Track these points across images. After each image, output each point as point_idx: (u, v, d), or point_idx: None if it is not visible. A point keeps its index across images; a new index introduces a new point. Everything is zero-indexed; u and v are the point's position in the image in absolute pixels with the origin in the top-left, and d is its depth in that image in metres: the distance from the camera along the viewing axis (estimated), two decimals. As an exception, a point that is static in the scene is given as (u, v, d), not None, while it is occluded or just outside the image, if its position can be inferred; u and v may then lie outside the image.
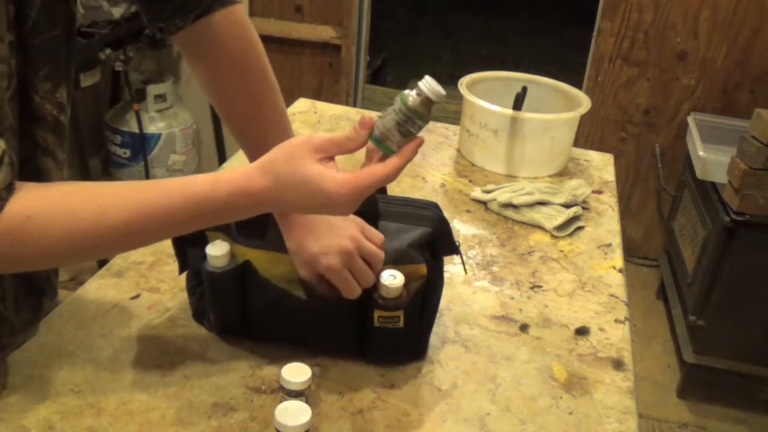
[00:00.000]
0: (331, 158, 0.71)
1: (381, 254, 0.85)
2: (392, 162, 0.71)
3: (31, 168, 0.75)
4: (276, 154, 0.70)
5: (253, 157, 0.89)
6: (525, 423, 0.86)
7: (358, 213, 0.88)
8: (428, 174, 1.49)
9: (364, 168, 0.71)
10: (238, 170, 0.71)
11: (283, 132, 0.90)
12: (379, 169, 0.71)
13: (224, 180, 0.70)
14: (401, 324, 0.88)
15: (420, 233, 0.88)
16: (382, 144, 0.72)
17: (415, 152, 0.73)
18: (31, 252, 0.66)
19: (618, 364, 0.98)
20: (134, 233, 0.69)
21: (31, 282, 0.84)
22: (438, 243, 0.90)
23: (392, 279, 0.86)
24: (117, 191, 0.69)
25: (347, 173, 0.70)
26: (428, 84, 0.71)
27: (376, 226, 0.89)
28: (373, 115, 0.78)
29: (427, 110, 0.72)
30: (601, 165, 1.60)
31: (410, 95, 0.72)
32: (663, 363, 2.46)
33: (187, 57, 0.88)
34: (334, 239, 0.83)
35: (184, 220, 0.70)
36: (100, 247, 0.70)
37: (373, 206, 0.90)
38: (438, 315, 0.97)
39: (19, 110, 0.71)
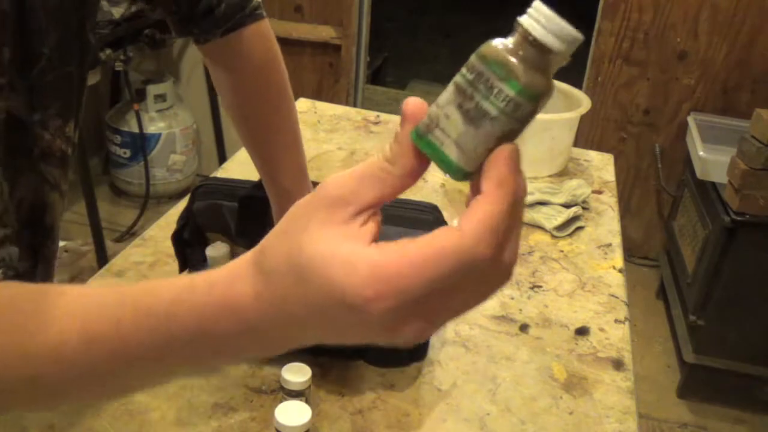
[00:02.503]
0: (372, 212, 0.38)
1: None
2: (473, 216, 0.36)
3: (37, 205, 0.75)
4: (274, 232, 0.39)
5: (263, 169, 0.88)
6: (525, 423, 0.86)
7: None
8: (428, 174, 1.48)
9: (424, 237, 0.36)
10: (222, 269, 0.41)
11: (295, 146, 0.89)
12: (449, 243, 0.35)
13: (195, 292, 0.40)
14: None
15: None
16: (425, 138, 0.38)
17: (513, 180, 0.37)
18: None
19: (618, 364, 0.98)
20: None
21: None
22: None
23: None
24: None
25: (390, 248, 0.37)
26: (539, 14, 0.36)
27: None
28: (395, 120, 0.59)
29: (530, 67, 0.36)
30: (601, 165, 1.60)
31: (499, 41, 0.37)
32: (663, 363, 2.45)
33: (210, 63, 0.87)
34: None
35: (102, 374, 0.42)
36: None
37: None
38: (438, 315, 0.97)
39: (26, 148, 0.70)
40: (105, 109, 3.12)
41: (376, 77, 4.38)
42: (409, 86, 4.48)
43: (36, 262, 0.78)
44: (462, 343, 0.99)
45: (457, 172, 0.38)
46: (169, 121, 3.00)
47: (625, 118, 2.78)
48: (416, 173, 0.39)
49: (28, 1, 0.63)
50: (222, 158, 3.13)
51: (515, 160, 0.37)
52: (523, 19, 0.36)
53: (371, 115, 1.75)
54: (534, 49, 0.35)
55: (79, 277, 2.32)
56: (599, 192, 1.47)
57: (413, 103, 0.39)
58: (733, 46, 2.56)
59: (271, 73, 0.86)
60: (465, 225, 0.36)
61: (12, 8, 0.62)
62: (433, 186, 1.44)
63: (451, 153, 0.37)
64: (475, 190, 0.37)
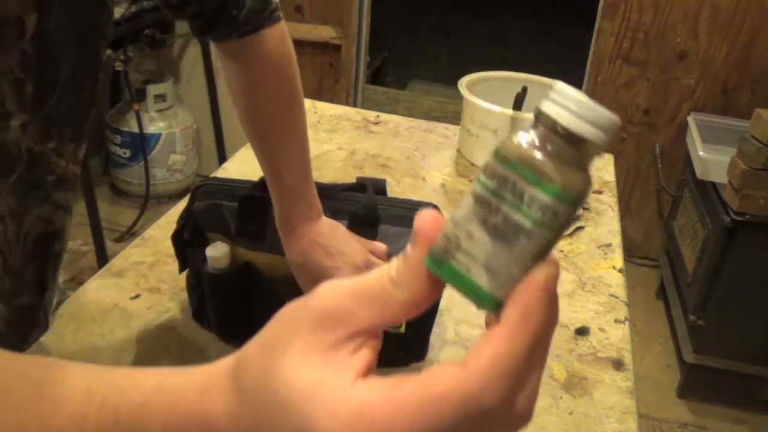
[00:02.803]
0: (366, 338, 0.33)
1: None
2: (484, 357, 0.31)
3: (52, 226, 0.74)
4: (257, 340, 0.37)
5: (267, 166, 0.86)
6: (525, 423, 0.86)
7: (358, 217, 0.88)
8: (428, 174, 1.49)
9: (409, 381, 0.32)
10: (198, 371, 0.38)
11: (302, 145, 0.88)
12: (445, 386, 0.30)
13: (172, 394, 0.37)
14: (402, 330, 0.88)
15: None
16: (445, 265, 0.32)
17: (542, 313, 0.31)
18: None
19: (618, 364, 0.98)
20: None
21: (23, 315, 0.82)
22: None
23: None
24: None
25: (380, 387, 0.31)
26: (565, 98, 0.30)
27: (376, 229, 0.89)
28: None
29: (564, 163, 0.31)
30: (601, 165, 1.60)
31: (518, 134, 0.32)
32: (663, 363, 2.45)
33: (224, 59, 0.86)
34: (346, 255, 0.83)
35: None
36: None
37: (373, 210, 0.89)
38: (438, 315, 0.97)
39: (40, 180, 0.69)
40: (105, 109, 3.12)
41: (376, 77, 4.37)
42: (409, 86, 4.48)
43: (44, 291, 0.77)
44: (462, 344, 0.99)
45: (490, 303, 0.31)
46: (169, 121, 3.00)
47: (625, 118, 2.78)
48: (427, 300, 0.33)
49: (47, 36, 0.63)
50: (222, 158, 3.13)
51: (551, 288, 0.31)
52: (547, 107, 0.30)
53: (371, 115, 1.75)
54: (565, 141, 0.30)
55: (79, 277, 2.32)
56: (599, 192, 1.47)
57: (427, 219, 0.32)
58: (733, 46, 2.56)
59: (285, 74, 0.86)
60: (473, 362, 0.30)
61: (32, 47, 0.62)
62: (433, 186, 1.44)
63: (481, 280, 0.31)
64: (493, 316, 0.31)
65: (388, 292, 0.33)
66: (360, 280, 0.33)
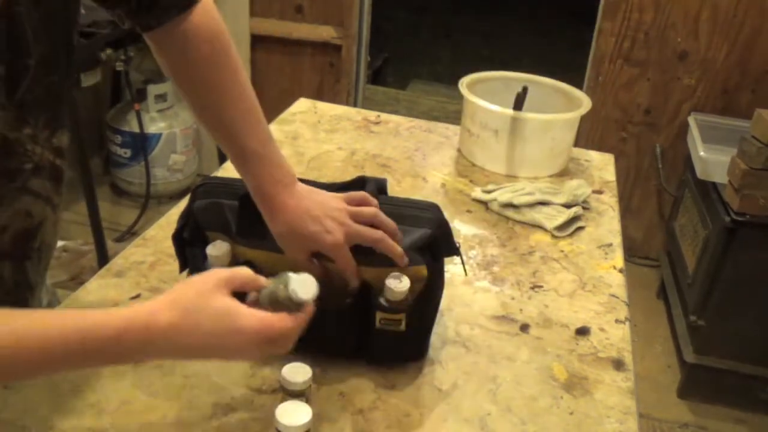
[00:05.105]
0: (242, 294, 0.68)
1: (372, 209, 0.86)
2: (299, 317, 0.69)
3: (32, 219, 0.74)
4: (183, 288, 0.66)
5: (228, 136, 0.87)
6: (525, 423, 0.86)
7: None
8: (429, 174, 1.49)
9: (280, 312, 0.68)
10: (142, 304, 0.65)
11: (256, 110, 0.87)
12: (291, 320, 0.68)
13: (123, 311, 0.63)
14: (402, 327, 0.88)
15: (420, 235, 0.88)
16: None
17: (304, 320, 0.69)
18: None
19: (618, 364, 0.98)
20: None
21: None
22: (438, 245, 0.90)
23: (397, 282, 0.85)
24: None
25: (263, 313, 0.67)
26: (298, 284, 0.68)
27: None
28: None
29: (295, 306, 0.68)
30: (602, 165, 1.60)
31: (285, 283, 0.68)
32: (663, 363, 2.45)
33: (158, 48, 0.85)
34: (331, 217, 0.83)
35: (60, 354, 0.60)
36: None
37: (383, 190, 0.90)
38: (438, 315, 0.97)
39: (16, 170, 0.69)
40: (105, 109, 3.12)
41: (376, 77, 4.38)
42: (410, 86, 4.48)
43: (25, 291, 0.77)
44: (462, 343, 0.99)
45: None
46: (169, 121, 3.00)
47: (625, 118, 2.78)
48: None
49: (17, 17, 0.63)
50: (222, 158, 3.12)
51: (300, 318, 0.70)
52: (292, 285, 0.69)
53: (372, 115, 1.75)
54: (294, 301, 0.69)
55: (79, 276, 2.32)
56: (600, 192, 1.47)
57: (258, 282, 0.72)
58: (734, 46, 2.56)
59: (221, 42, 0.85)
60: (292, 320, 0.68)
61: (2, 28, 0.62)
62: (433, 186, 1.44)
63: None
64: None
65: (256, 278, 0.71)
66: (239, 269, 0.70)
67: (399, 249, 0.84)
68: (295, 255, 0.86)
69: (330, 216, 0.83)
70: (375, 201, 0.88)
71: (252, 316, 0.65)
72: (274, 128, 1.61)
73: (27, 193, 0.72)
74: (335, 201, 0.86)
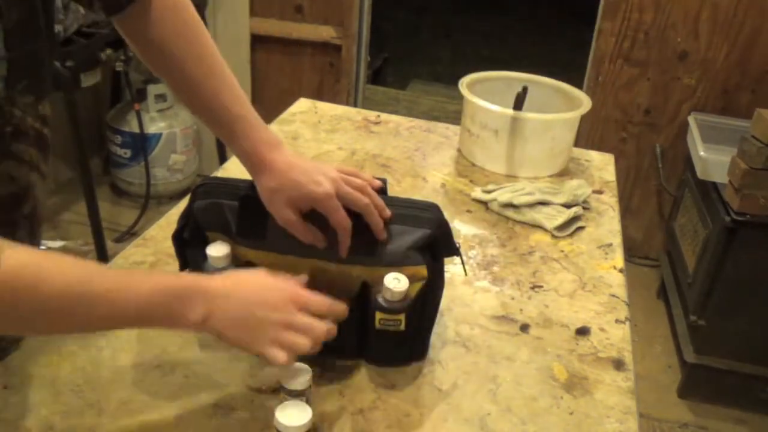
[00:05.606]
0: None
1: (363, 182, 0.88)
2: (336, 303, 0.80)
3: (17, 184, 0.74)
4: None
5: (210, 105, 0.88)
6: (525, 423, 0.86)
7: (360, 218, 0.88)
8: (429, 174, 1.49)
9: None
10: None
11: (231, 78, 0.89)
12: (328, 299, 0.79)
13: (182, 274, 0.73)
14: (402, 327, 0.88)
15: (420, 235, 0.88)
16: None
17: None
18: (25, 305, 0.62)
19: (618, 364, 0.98)
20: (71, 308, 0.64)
21: None
22: (438, 245, 0.90)
23: (396, 282, 0.85)
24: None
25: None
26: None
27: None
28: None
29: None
30: (602, 165, 1.60)
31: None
32: (664, 363, 2.46)
33: (131, 33, 0.86)
34: (319, 171, 0.85)
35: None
36: (74, 314, 0.66)
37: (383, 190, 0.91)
38: (438, 315, 0.97)
39: None
40: (105, 110, 3.12)
41: (376, 77, 4.38)
42: (410, 86, 4.48)
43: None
44: (462, 343, 0.99)
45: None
46: (169, 121, 3.00)
47: (625, 118, 2.78)
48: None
49: None
50: (222, 158, 3.13)
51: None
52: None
53: (372, 115, 1.75)
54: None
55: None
56: (600, 192, 1.47)
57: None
58: (734, 46, 2.56)
59: (188, 13, 0.87)
60: (326, 303, 0.80)
61: None
62: (433, 186, 1.44)
63: None
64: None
65: None
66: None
67: (381, 223, 0.86)
68: (284, 214, 0.85)
69: (321, 172, 0.85)
70: (366, 176, 0.90)
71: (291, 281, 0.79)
72: (275, 128, 1.61)
73: (9, 157, 0.72)
74: (326, 166, 0.88)
